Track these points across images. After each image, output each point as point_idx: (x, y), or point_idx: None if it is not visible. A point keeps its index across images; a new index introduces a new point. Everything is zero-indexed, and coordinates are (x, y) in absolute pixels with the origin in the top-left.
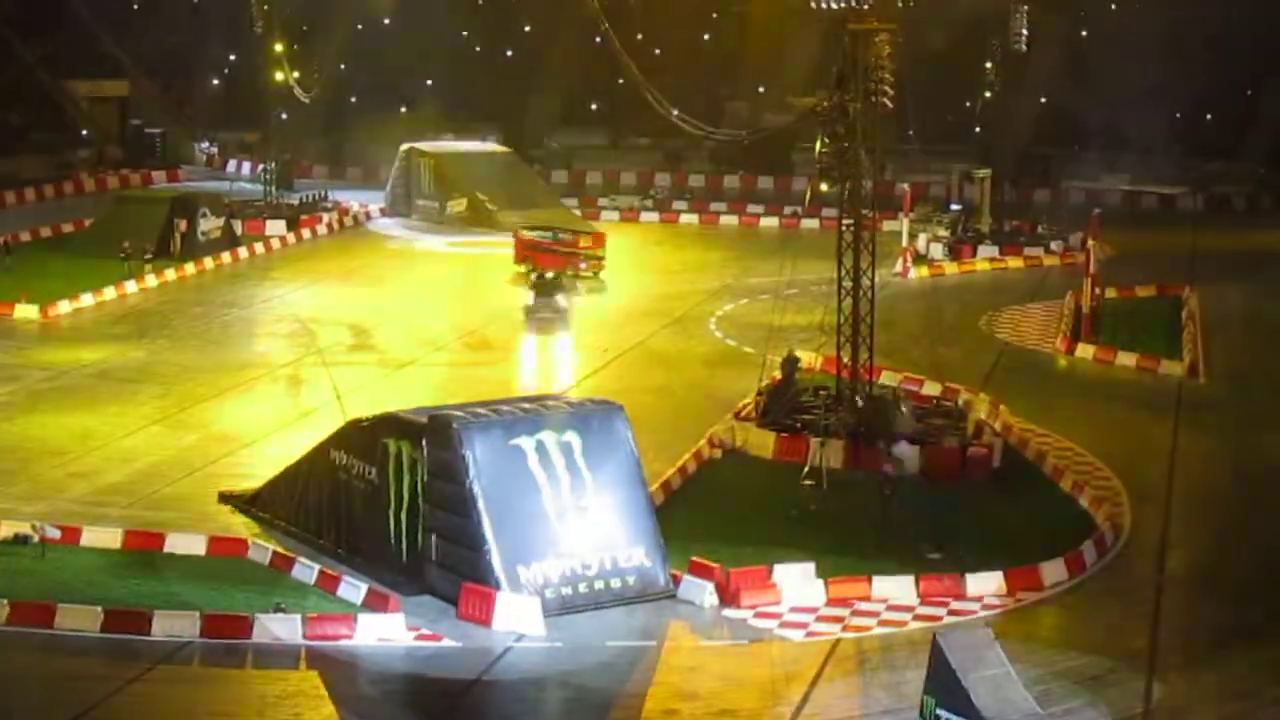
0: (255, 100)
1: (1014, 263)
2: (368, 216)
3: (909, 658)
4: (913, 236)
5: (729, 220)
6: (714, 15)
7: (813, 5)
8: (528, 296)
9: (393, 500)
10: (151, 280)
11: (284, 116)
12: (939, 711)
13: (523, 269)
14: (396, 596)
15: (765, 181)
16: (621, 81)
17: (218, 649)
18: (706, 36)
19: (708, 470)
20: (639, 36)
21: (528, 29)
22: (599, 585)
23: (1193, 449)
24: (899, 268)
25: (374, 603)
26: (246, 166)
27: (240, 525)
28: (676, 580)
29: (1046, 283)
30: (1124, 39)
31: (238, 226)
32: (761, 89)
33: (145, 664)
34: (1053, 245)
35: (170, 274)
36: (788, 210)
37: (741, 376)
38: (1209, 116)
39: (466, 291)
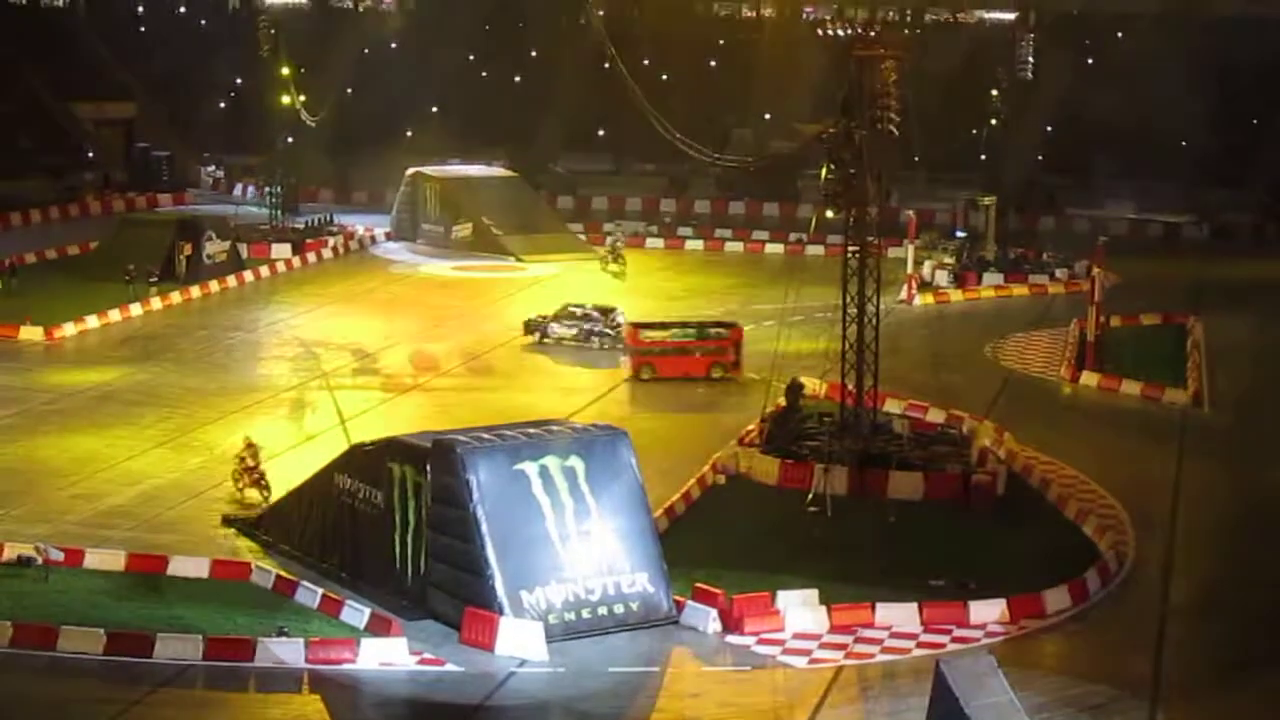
0: (261, 124)
1: (1019, 290)
2: (373, 240)
3: (912, 685)
4: (918, 264)
5: (734, 247)
6: (720, 42)
7: (819, 33)
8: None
9: (396, 524)
10: (156, 303)
11: (290, 140)
12: None
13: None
14: (399, 621)
15: (770, 208)
16: (628, 107)
17: (220, 672)
18: (713, 63)
19: (712, 496)
20: (645, 62)
21: (534, 54)
22: (602, 611)
23: (1197, 478)
24: (904, 295)
25: (377, 627)
26: (252, 190)
27: (244, 548)
28: (680, 606)
29: (1051, 310)
30: (1130, 68)
31: (243, 250)
32: (767, 115)
33: (147, 687)
34: (1058, 273)
35: (175, 297)
36: (793, 237)
37: (746, 402)
38: (1215, 145)
39: (471, 316)
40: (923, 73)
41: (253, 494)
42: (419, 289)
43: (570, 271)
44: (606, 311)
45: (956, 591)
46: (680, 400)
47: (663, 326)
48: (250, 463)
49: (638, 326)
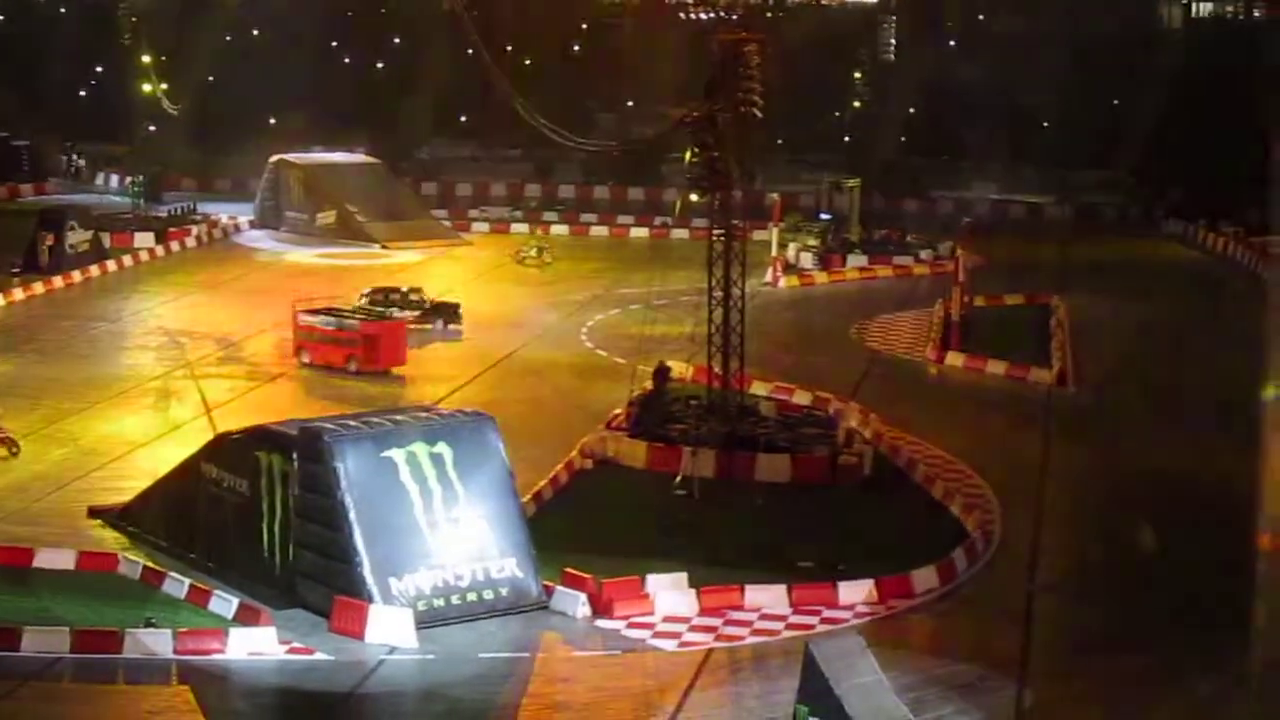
0: (123, 112)
1: (883, 272)
2: (237, 229)
3: (782, 667)
4: (782, 246)
5: (599, 231)
6: (584, 26)
7: (682, 16)
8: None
9: (264, 513)
10: (19, 294)
11: (152, 129)
12: None
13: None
14: (268, 610)
15: (635, 192)
16: (491, 93)
17: (89, 665)
18: (576, 48)
19: (580, 481)
20: (508, 48)
21: (397, 41)
22: (471, 597)
23: (1062, 456)
24: (769, 277)
25: (246, 617)
26: (115, 179)
27: (111, 540)
28: (549, 591)
29: (916, 291)
30: (992, 49)
31: (106, 239)
32: (630, 102)
33: (14, 681)
34: (922, 254)
35: (38, 287)
36: (658, 221)
37: (613, 387)
38: (1078, 126)
39: (335, 304)
40: (786, 56)
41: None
42: (283, 277)
43: (436, 259)
44: (415, 292)
45: (825, 573)
46: (547, 385)
47: (317, 312)
48: None
49: (304, 311)
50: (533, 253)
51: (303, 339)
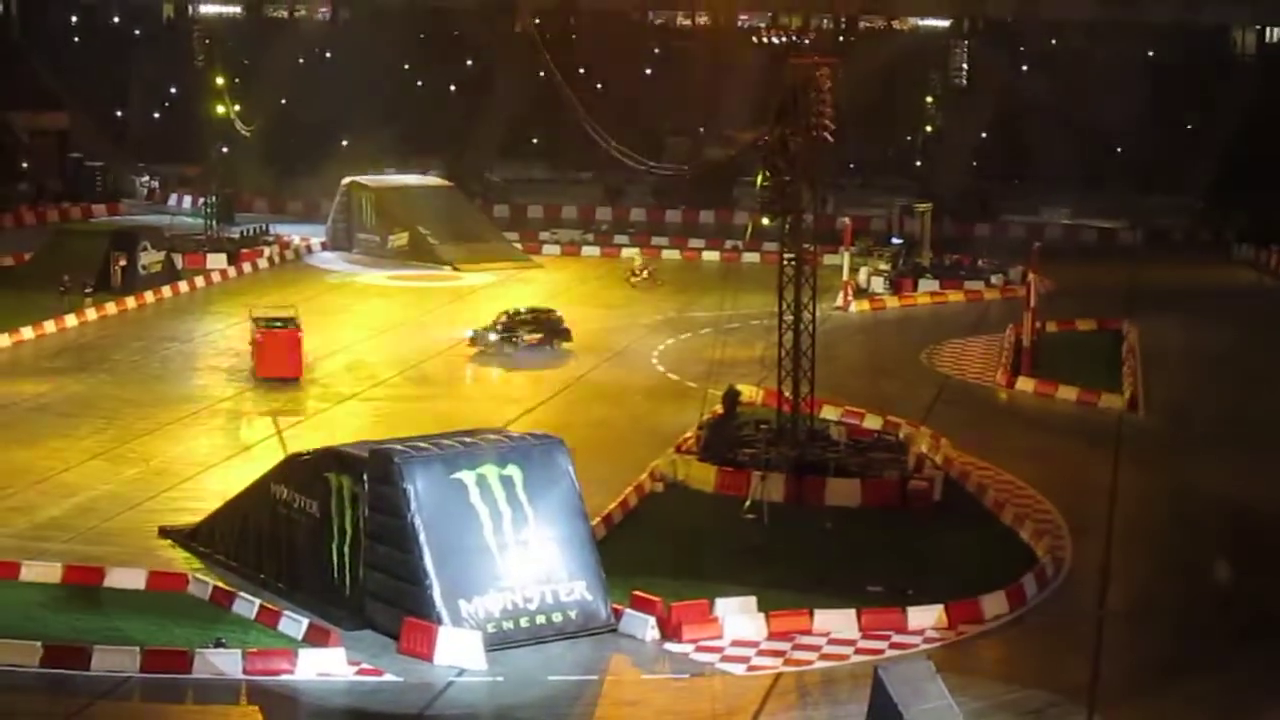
0: (196, 134)
1: (954, 296)
2: (309, 250)
3: (850, 691)
4: (853, 270)
5: (671, 254)
6: (655, 50)
7: (754, 40)
8: (489, 335)
9: (334, 534)
10: (91, 314)
11: (225, 150)
12: None
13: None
14: (337, 631)
15: (707, 215)
16: (563, 116)
17: (158, 684)
18: (648, 71)
19: (649, 504)
20: (580, 71)
21: (469, 63)
22: (540, 619)
23: (1133, 482)
24: (840, 301)
25: (315, 637)
26: (187, 200)
27: (180, 560)
28: (618, 614)
29: (987, 316)
30: (1064, 74)
31: (178, 260)
32: (702, 129)
33: (84, 699)
34: (993, 279)
35: (110, 307)
36: (729, 244)
37: (682, 410)
38: (1149, 151)
39: (407, 325)
40: (858, 80)
41: None
42: (355, 298)
43: (510, 280)
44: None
45: (894, 597)
46: (617, 408)
47: (256, 320)
48: None
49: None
50: (644, 274)
51: (250, 344)
